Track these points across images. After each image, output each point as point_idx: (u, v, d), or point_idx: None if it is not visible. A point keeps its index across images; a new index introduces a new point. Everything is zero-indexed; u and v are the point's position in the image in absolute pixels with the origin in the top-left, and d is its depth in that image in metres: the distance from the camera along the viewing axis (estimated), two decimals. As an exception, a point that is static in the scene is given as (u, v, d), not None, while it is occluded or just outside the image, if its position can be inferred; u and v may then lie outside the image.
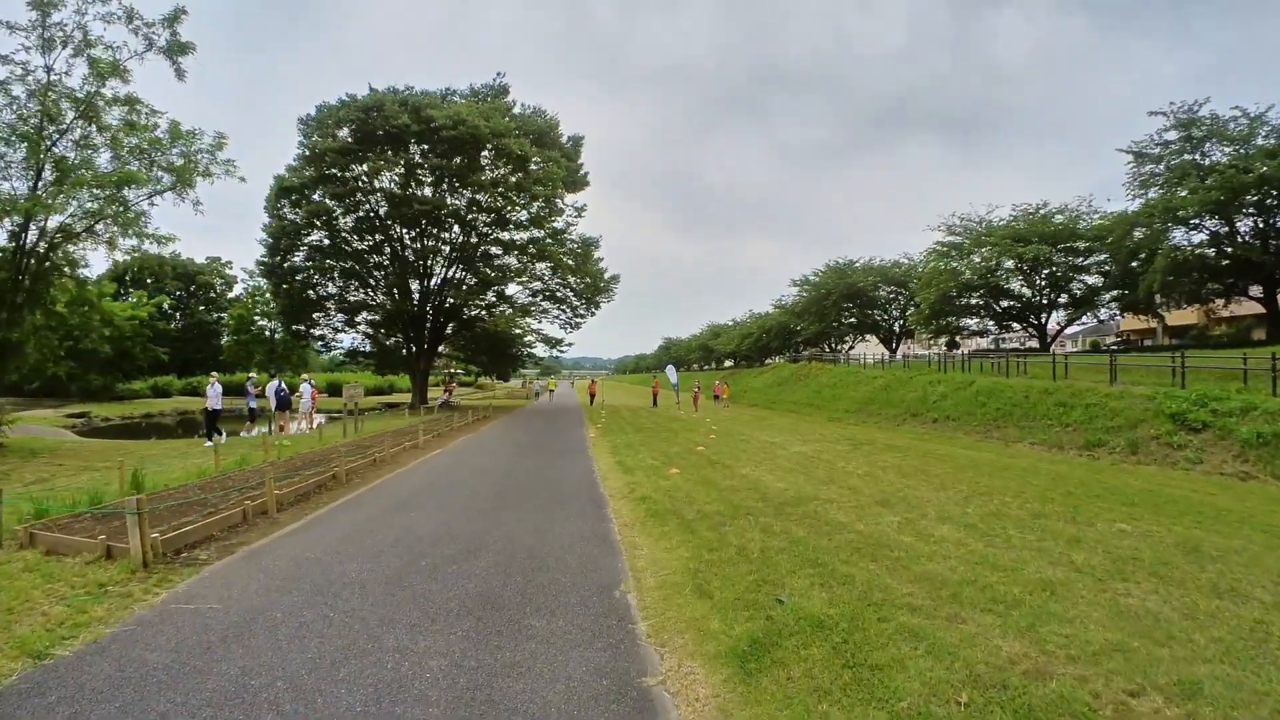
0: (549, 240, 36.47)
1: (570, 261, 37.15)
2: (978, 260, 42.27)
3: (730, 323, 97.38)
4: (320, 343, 39.23)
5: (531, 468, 13.41)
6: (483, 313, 36.83)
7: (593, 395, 41.07)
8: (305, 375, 24.76)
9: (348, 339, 40.41)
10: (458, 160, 31.10)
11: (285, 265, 34.36)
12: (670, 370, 37.35)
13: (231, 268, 70.36)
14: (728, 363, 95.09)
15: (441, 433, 20.64)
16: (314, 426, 22.01)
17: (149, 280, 65.34)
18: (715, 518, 8.20)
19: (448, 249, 35.05)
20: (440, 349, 40.45)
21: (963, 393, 24.65)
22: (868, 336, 64.84)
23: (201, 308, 70.49)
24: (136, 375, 50.50)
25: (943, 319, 45.43)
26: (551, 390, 65.39)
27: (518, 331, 36.51)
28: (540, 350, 40.50)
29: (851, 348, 66.22)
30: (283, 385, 21.17)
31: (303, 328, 37.74)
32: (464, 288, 33.71)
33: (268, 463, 13.13)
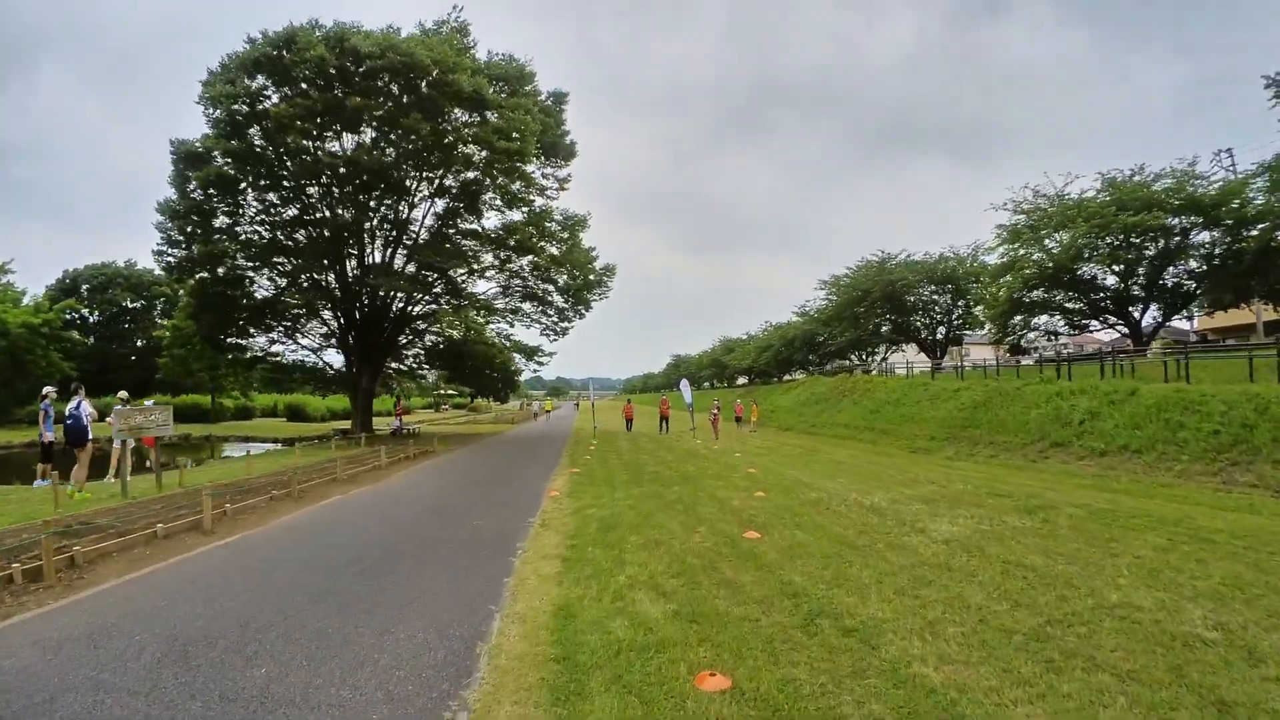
0: (528, 225, 28.42)
1: (554, 250, 29.10)
2: (1052, 245, 33.89)
3: (744, 336, 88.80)
4: (243, 356, 31.02)
5: (290, 671, 5.09)
6: (429, 310, 28.36)
7: (629, 419, 33.28)
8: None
9: (289, 353, 32.34)
10: (390, 106, 23.23)
11: (191, 254, 26.38)
12: (684, 386, 29.12)
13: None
14: (741, 380, 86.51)
15: (306, 488, 12.40)
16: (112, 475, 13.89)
17: (102, 291, 58.23)
18: None
19: (383, 225, 27.00)
20: (391, 364, 32.28)
21: (1124, 408, 16.36)
22: (903, 347, 56.18)
23: (162, 322, 63.00)
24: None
25: (1016, 316, 37.12)
26: (549, 411, 63.70)
27: (473, 334, 28.16)
28: (518, 362, 32.00)
29: (884, 358, 57.54)
30: (81, 406, 12.90)
31: (225, 338, 29.66)
32: (402, 277, 25.36)
33: None
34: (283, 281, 27.64)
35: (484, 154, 25.42)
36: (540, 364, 32.04)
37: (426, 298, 28.08)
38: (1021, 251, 35.19)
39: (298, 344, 31.03)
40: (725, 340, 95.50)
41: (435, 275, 27.06)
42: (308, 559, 7.50)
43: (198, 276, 26.60)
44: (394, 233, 26.92)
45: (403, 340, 30.47)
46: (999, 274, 37.48)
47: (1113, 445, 15.17)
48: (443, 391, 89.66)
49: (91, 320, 58.27)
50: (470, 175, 26.78)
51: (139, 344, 59.60)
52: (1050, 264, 32.94)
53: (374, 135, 24.85)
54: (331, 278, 27.01)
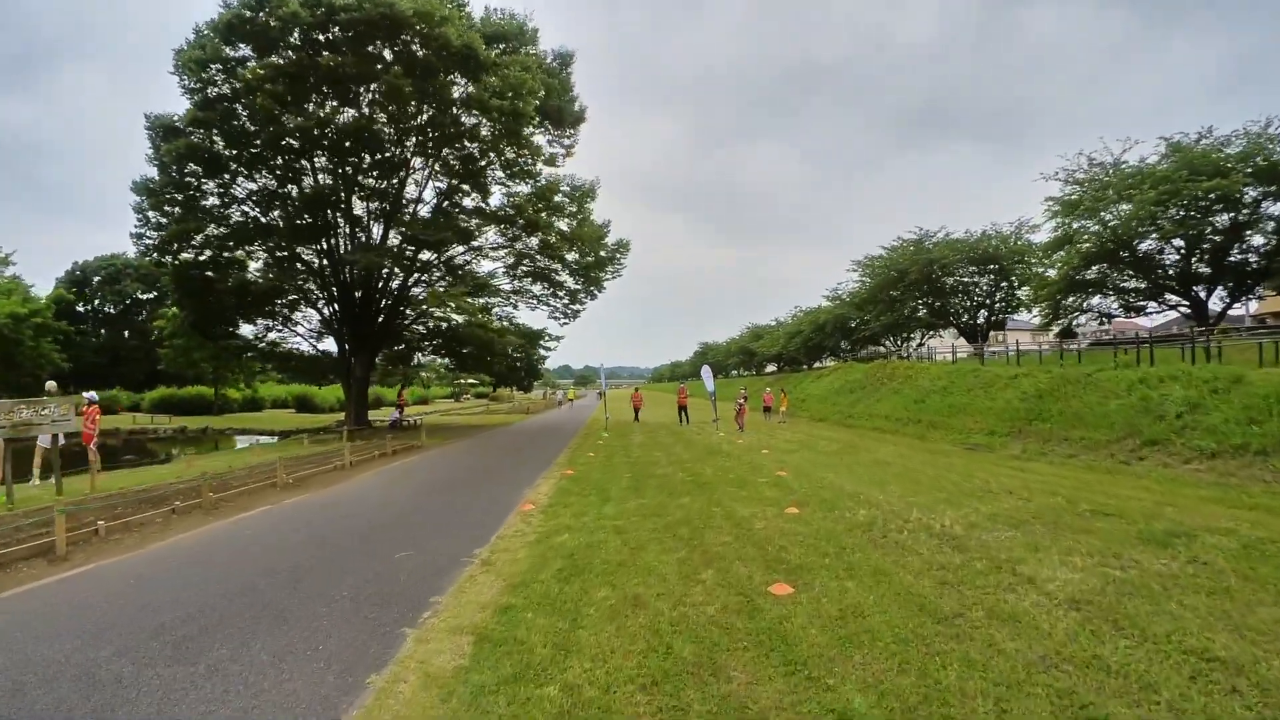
0: (535, 199, 25.92)
1: (563, 225, 26.64)
2: (1110, 218, 30.47)
3: (773, 323, 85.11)
4: (233, 344, 28.94)
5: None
6: (416, 290, 25.65)
7: (636, 409, 31.79)
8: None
9: (285, 341, 30.11)
10: (376, 67, 20.84)
11: (164, 233, 24.26)
12: (706, 373, 26.37)
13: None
14: (770, 367, 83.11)
15: (231, 496, 10.15)
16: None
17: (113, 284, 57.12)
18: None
19: (373, 199, 24.69)
20: (397, 351, 30.01)
21: (1231, 398, 13.53)
22: (940, 332, 52.65)
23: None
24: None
25: (1070, 297, 33.88)
26: (572, 400, 68.15)
27: (478, 318, 25.54)
28: (516, 347, 29.14)
29: (921, 344, 54.07)
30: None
31: (215, 326, 27.49)
32: (383, 253, 22.78)
33: None
34: (266, 262, 25.52)
35: (485, 125, 23.05)
36: (546, 350, 29.71)
37: (424, 279, 25.82)
38: (1076, 225, 31.88)
39: (293, 331, 28.94)
40: (753, 327, 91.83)
41: (430, 253, 24.77)
42: (131, 612, 5.22)
43: (176, 259, 24.58)
44: (387, 208, 24.57)
45: (399, 325, 28.10)
46: (1052, 249, 34.32)
47: (1226, 444, 12.29)
48: (463, 381, 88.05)
49: (104, 312, 57.23)
50: (472, 147, 24.35)
51: (153, 336, 58.76)
52: (1110, 238, 29.64)
53: (367, 104, 22.46)
54: (321, 259, 24.84)
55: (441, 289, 24.67)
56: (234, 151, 22.64)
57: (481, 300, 26.69)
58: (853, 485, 10.50)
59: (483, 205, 26.57)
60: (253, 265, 26.35)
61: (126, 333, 57.73)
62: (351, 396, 26.22)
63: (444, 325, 27.23)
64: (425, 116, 22.82)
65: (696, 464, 13.90)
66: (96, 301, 56.68)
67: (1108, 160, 31.70)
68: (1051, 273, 34.78)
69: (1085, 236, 31.20)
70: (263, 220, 24.08)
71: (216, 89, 22.48)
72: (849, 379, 35.29)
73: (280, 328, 28.88)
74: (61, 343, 38.33)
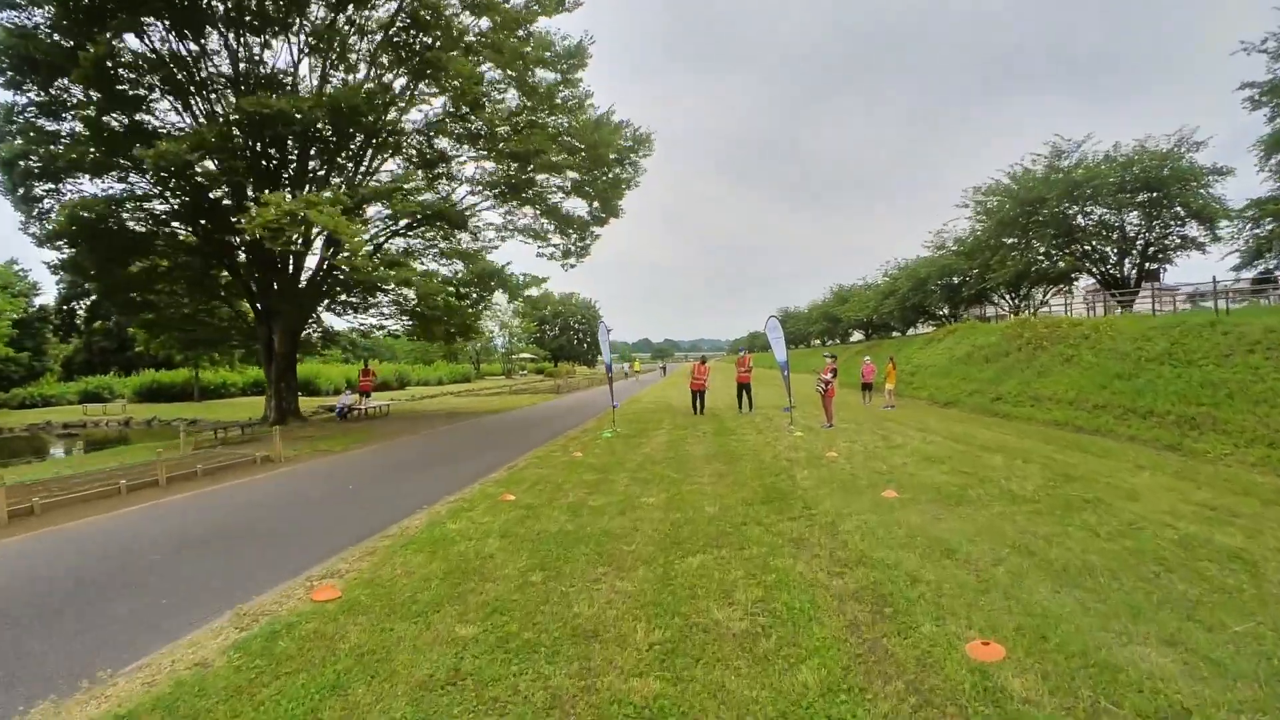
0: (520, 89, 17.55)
1: (559, 122, 18.29)
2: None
3: (860, 283, 72.83)
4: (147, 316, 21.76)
5: None
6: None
7: (697, 392, 19.33)
8: None
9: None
10: None
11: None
12: (773, 330, 16.40)
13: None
14: (856, 335, 71.67)
15: None
16: None
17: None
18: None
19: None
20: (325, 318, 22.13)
21: None
22: (1067, 287, 41.00)
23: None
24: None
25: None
26: (638, 372, 68.43)
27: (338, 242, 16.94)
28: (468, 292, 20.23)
29: (1043, 303, 42.50)
30: None
31: (135, 296, 20.34)
32: (195, 142, 14.49)
33: None
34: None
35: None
36: (521, 298, 21.41)
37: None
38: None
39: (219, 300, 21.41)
40: (838, 290, 79.38)
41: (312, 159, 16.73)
42: None
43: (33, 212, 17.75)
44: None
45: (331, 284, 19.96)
46: (1273, 148, 24.28)
47: None
48: (517, 357, 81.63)
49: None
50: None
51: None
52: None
53: None
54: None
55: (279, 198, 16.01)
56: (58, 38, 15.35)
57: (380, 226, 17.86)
58: None
59: (466, 124, 18.25)
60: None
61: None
62: (271, 378, 18.72)
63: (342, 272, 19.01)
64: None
65: (718, 540, 5.44)
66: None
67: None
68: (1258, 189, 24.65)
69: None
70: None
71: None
72: (976, 344, 25.50)
73: (183, 293, 21.34)
74: (57, 328, 32.80)
